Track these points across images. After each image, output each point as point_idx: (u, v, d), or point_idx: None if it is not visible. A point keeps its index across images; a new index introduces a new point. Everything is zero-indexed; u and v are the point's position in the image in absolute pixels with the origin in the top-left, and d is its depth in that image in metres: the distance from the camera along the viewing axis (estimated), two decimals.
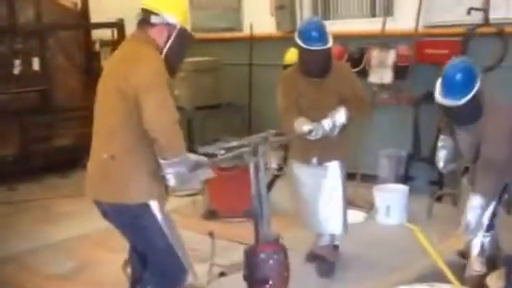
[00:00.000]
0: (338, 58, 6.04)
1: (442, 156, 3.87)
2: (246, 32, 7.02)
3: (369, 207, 5.24)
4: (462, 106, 3.43)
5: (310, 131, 3.86)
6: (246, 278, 3.21)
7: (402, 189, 5.25)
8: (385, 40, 5.83)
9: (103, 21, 7.68)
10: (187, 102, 6.61)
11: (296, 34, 3.99)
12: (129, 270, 3.28)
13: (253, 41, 6.88)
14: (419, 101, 5.72)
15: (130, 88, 2.83)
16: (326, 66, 3.98)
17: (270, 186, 5.43)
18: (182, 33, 3.02)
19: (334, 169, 4.08)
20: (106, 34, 7.92)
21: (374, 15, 6.29)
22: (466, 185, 3.81)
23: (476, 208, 3.50)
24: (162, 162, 2.86)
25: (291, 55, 6.33)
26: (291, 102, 4.00)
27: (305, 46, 3.90)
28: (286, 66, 6.30)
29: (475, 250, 3.76)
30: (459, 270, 3.60)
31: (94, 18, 7.80)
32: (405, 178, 5.72)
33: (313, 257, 4.24)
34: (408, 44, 5.70)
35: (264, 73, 6.81)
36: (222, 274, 4.03)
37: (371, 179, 5.73)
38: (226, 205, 5.18)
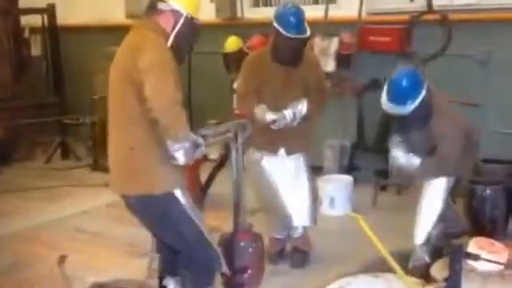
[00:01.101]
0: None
1: (400, 155, 3.89)
2: None
3: None
4: (409, 114, 3.59)
5: (274, 121, 3.90)
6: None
7: (347, 179, 5.32)
8: (327, 27, 5.88)
9: (32, 6, 7.45)
10: None
11: (274, 20, 3.98)
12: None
13: None
14: (363, 90, 5.80)
15: (137, 74, 2.86)
16: (300, 55, 4.01)
17: (212, 177, 5.42)
18: (190, 21, 3.05)
19: (300, 160, 4.14)
20: (37, 20, 7.70)
21: (316, 2, 6.34)
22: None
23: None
24: (168, 141, 2.87)
25: (231, 43, 6.33)
26: (252, 88, 4.02)
27: (285, 33, 3.89)
28: (225, 54, 6.31)
29: (420, 238, 3.85)
30: (403, 259, 3.67)
31: (23, 3, 7.57)
32: (349, 168, 5.80)
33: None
34: (351, 32, 5.76)
35: (203, 61, 6.76)
36: None
37: (316, 170, 5.76)
38: None
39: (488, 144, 5.10)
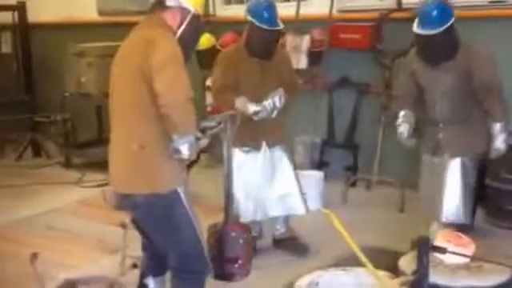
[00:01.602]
0: None
1: (404, 129, 4.05)
2: None
3: None
4: (440, 36, 3.75)
5: (256, 112, 3.93)
6: (214, 258, 3.26)
7: (318, 175, 5.34)
8: (299, 25, 5.89)
9: (2, 3, 7.34)
10: (96, 89, 6.42)
11: (248, 13, 4.04)
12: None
13: None
14: (334, 86, 5.85)
15: (149, 71, 2.80)
16: (273, 48, 4.09)
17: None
18: (196, 18, 3.03)
19: (283, 152, 4.21)
20: (7, 17, 7.59)
21: (288, 0, 6.34)
22: (428, 157, 4.12)
23: (504, 133, 3.90)
24: (174, 136, 2.84)
25: (204, 40, 6.30)
26: (228, 81, 4.03)
27: (260, 26, 3.95)
28: (198, 51, 6.29)
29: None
30: (373, 253, 3.70)
31: None
32: (320, 164, 5.83)
33: (277, 242, 4.36)
34: (322, 29, 5.79)
35: None
36: (134, 266, 3.98)
37: None
38: None
39: None
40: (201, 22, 3.08)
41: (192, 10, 3.01)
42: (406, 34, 5.33)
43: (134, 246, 4.14)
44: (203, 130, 3.12)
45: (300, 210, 4.24)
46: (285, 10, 6.03)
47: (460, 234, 3.65)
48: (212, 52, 6.26)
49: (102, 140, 6.78)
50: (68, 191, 5.76)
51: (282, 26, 4.06)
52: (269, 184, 4.16)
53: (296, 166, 5.65)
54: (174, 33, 2.98)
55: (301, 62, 5.82)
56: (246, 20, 4.09)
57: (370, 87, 5.72)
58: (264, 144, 4.13)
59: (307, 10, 5.97)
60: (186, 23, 2.99)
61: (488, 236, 4.41)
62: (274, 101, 4.00)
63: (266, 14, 3.97)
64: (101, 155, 6.38)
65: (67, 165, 6.65)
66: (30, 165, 6.85)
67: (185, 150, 2.88)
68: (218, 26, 6.37)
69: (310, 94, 5.84)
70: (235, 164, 3.93)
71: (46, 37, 7.84)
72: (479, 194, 4.63)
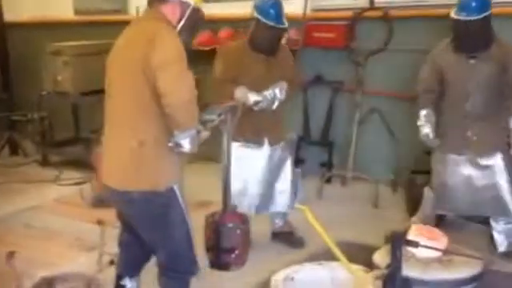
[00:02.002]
0: (227, 41, 6.08)
1: (428, 130, 4.05)
2: (132, 15, 6.85)
3: None
4: (479, 22, 3.80)
5: (257, 102, 3.93)
6: (211, 248, 3.24)
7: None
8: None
9: None
10: (72, 87, 6.36)
11: (254, 9, 4.05)
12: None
13: None
14: (309, 84, 5.86)
15: (151, 68, 2.73)
16: (277, 45, 4.10)
17: None
18: (195, 12, 2.98)
19: (285, 151, 4.22)
20: None
21: None
22: (453, 157, 4.04)
23: None
24: (176, 132, 2.81)
25: None
26: (229, 76, 4.02)
27: (266, 22, 3.96)
28: None
29: None
30: (348, 248, 3.72)
31: None
32: (296, 161, 5.84)
33: (275, 235, 4.40)
34: (297, 28, 5.80)
35: None
36: (111, 263, 3.96)
37: None
38: None
39: None
40: (200, 15, 3.03)
41: (191, 3, 2.97)
42: (379, 33, 5.44)
43: (111, 243, 4.14)
44: (204, 123, 3.05)
45: (284, 207, 4.24)
46: None
47: (432, 228, 3.69)
48: (188, 51, 6.21)
49: (78, 138, 6.74)
50: (45, 189, 5.70)
51: (286, 24, 4.08)
52: (267, 182, 4.15)
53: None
54: (174, 27, 2.92)
55: None
56: (251, 16, 4.08)
57: (343, 85, 5.74)
58: (266, 142, 4.11)
59: None
60: (185, 17, 2.94)
61: (459, 230, 4.46)
62: (275, 92, 4.00)
63: (272, 12, 3.99)
64: (78, 153, 6.40)
65: (44, 163, 6.58)
66: (7, 163, 6.75)
67: (186, 144, 2.84)
68: None
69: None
70: (234, 157, 3.83)
71: (23, 36, 7.74)
72: None
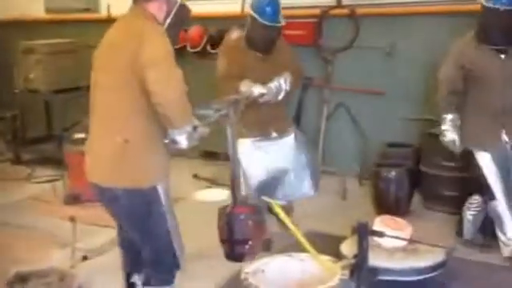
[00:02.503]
0: (196, 41, 6.08)
1: (455, 136, 3.83)
2: (103, 13, 6.80)
3: None
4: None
5: (262, 94, 3.87)
6: (225, 240, 3.23)
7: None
8: (244, 21, 5.89)
9: None
10: (44, 86, 6.29)
11: (251, 8, 4.00)
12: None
13: (111, 22, 6.66)
14: None
15: (139, 65, 2.69)
16: (273, 43, 4.04)
17: None
18: (182, 9, 2.94)
19: (296, 141, 4.18)
20: None
21: None
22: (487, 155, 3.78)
23: None
24: (171, 130, 2.78)
25: None
26: (233, 71, 3.96)
27: (261, 21, 3.91)
28: None
29: None
30: (317, 239, 3.75)
31: None
32: None
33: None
34: None
35: None
36: (84, 258, 3.95)
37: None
38: (88, 189, 4.99)
39: (392, 129, 5.31)
40: (187, 12, 3.00)
41: (178, 1, 2.94)
42: (346, 30, 5.49)
43: (84, 239, 4.13)
44: (200, 118, 3.01)
45: (309, 192, 4.26)
46: (230, 7, 6.07)
47: (397, 218, 3.74)
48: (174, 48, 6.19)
49: (51, 136, 6.67)
50: (19, 187, 5.63)
51: (283, 23, 4.01)
52: (278, 172, 4.12)
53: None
54: (161, 24, 2.88)
55: None
56: (247, 14, 4.04)
57: (312, 81, 5.77)
58: (274, 133, 4.10)
59: None
60: (172, 14, 2.91)
61: (423, 219, 4.53)
62: (280, 82, 3.95)
63: (268, 10, 3.93)
64: (50, 151, 6.34)
65: (17, 161, 6.50)
66: None
67: (183, 141, 2.81)
68: None
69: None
70: (249, 153, 3.91)
71: None
72: (415, 179, 4.77)
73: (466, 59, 3.75)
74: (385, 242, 3.43)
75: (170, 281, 3.01)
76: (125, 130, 2.76)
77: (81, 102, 6.70)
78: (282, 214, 3.25)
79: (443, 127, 3.84)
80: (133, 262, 3.08)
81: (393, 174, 4.60)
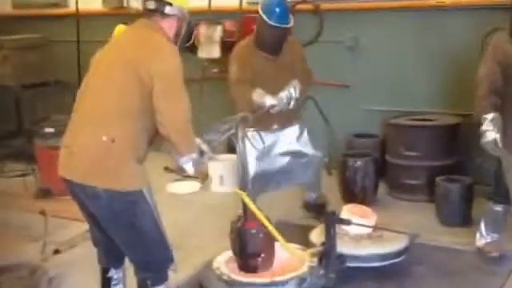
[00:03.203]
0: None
1: (497, 136, 3.38)
2: (71, 8, 6.68)
3: (203, 177, 5.31)
4: None
5: (273, 106, 3.82)
6: (238, 253, 3.17)
7: (234, 158, 5.36)
8: (212, 16, 5.87)
9: None
10: (13, 81, 6.18)
11: (260, 9, 3.91)
12: None
13: (79, 17, 6.57)
14: None
15: (149, 76, 2.63)
16: (281, 44, 3.96)
17: None
18: (188, 25, 2.91)
19: (295, 130, 4.15)
20: None
21: None
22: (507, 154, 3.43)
23: None
24: (177, 156, 2.78)
25: (119, 31, 6.14)
26: (245, 76, 3.91)
27: (269, 22, 3.83)
28: None
29: None
30: (286, 228, 3.77)
31: None
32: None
33: (310, 206, 4.38)
34: (234, 20, 5.80)
35: (93, 50, 6.52)
36: (56, 252, 3.90)
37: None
38: (59, 183, 4.92)
39: (357, 120, 5.35)
40: (191, 28, 3.03)
41: (188, 16, 2.90)
42: (311, 25, 5.50)
43: (56, 232, 4.08)
44: (207, 143, 2.99)
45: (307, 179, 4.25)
46: (198, 2, 6.01)
47: (364, 206, 3.78)
48: None
49: (21, 131, 6.55)
50: None
51: (291, 23, 3.93)
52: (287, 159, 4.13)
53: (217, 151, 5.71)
54: (170, 41, 2.84)
55: (214, 51, 5.79)
56: (257, 14, 3.94)
57: None
58: (275, 126, 4.07)
59: (219, 2, 5.94)
60: (182, 32, 2.89)
61: (388, 207, 4.59)
62: (290, 91, 3.88)
63: (276, 11, 3.85)
64: (20, 146, 6.22)
65: None
66: None
67: (189, 168, 2.82)
68: (132, 17, 6.22)
69: (225, 82, 5.83)
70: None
71: None
72: (381, 169, 4.82)
73: (501, 55, 3.43)
74: (352, 229, 3.46)
75: (165, 278, 2.88)
76: (114, 129, 2.65)
77: (49, 97, 6.67)
78: (251, 204, 3.24)
79: (483, 128, 3.42)
80: (109, 258, 2.98)
81: (359, 163, 4.63)
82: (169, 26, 2.85)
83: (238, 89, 3.94)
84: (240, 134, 3.27)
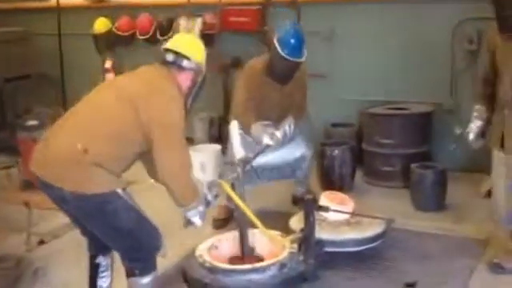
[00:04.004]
0: (145, 28, 5.97)
1: (474, 128, 3.30)
2: (53, 1, 6.58)
3: None
4: None
5: (268, 145, 3.79)
6: None
7: (215, 148, 5.35)
8: (191, 9, 5.82)
9: None
10: None
11: (275, 37, 3.80)
12: None
13: (60, 10, 6.47)
14: (227, 67, 5.83)
15: (147, 116, 2.61)
16: (292, 76, 3.90)
17: None
18: (203, 79, 2.88)
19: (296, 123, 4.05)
20: None
21: None
22: (496, 153, 3.28)
23: None
24: (182, 209, 2.78)
25: (100, 24, 6.10)
26: (251, 100, 3.89)
27: (282, 54, 3.74)
28: (95, 36, 6.08)
29: None
30: (267, 216, 3.76)
31: None
32: (218, 138, 5.84)
33: (297, 200, 4.21)
34: (213, 12, 5.76)
35: (74, 43, 6.48)
36: (41, 242, 3.86)
37: (188, 141, 5.74)
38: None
39: (334, 110, 5.36)
40: (204, 78, 2.92)
41: (204, 70, 2.88)
42: (288, 16, 5.47)
43: (40, 224, 4.03)
44: (211, 188, 2.98)
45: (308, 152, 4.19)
46: None
47: (341, 193, 3.79)
48: (108, 35, 6.07)
49: (3, 123, 6.45)
50: None
51: (304, 57, 3.82)
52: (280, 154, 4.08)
53: (194, 141, 5.68)
54: (183, 93, 2.80)
55: None
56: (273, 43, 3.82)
57: None
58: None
59: None
60: (197, 86, 2.87)
61: (365, 194, 4.61)
62: (285, 130, 3.85)
63: (291, 42, 3.75)
64: (3, 138, 6.11)
65: None
66: None
67: (197, 221, 2.83)
68: (113, 10, 6.19)
69: (206, 74, 5.80)
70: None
71: None
72: (358, 157, 4.84)
73: (492, 45, 3.26)
74: (330, 216, 3.46)
75: (153, 267, 2.82)
76: (91, 144, 2.58)
77: (32, 90, 6.58)
78: (232, 193, 3.23)
79: (471, 117, 3.34)
80: (97, 246, 2.93)
81: (336, 152, 4.64)
82: (184, 79, 2.83)
83: (242, 113, 3.94)
84: (241, 177, 3.27)
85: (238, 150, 3.92)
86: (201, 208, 2.83)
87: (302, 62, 3.86)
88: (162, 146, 2.64)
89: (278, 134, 3.86)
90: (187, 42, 2.91)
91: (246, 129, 3.91)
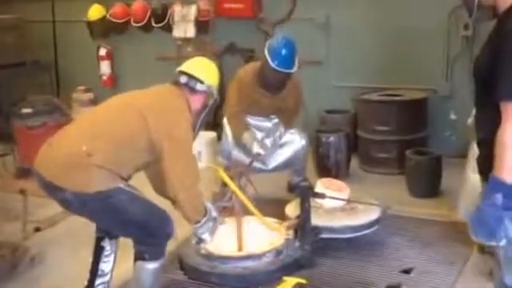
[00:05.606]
0: (140, 15, 5.92)
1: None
2: None
3: None
4: None
5: (259, 154, 3.83)
6: None
7: (211, 135, 5.34)
8: None
9: None
10: None
11: (266, 48, 3.77)
12: None
13: None
14: (222, 52, 5.80)
15: (156, 127, 2.64)
16: (283, 86, 3.88)
17: None
18: (214, 101, 2.90)
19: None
20: None
21: None
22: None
23: None
24: (193, 226, 2.87)
25: (94, 11, 6.06)
26: (242, 107, 3.94)
27: (272, 65, 3.72)
28: (90, 22, 6.04)
29: None
30: (262, 202, 3.76)
31: None
32: (214, 125, 5.81)
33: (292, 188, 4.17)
34: None
35: (68, 29, 6.43)
36: (37, 230, 3.84)
37: None
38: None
39: (329, 96, 5.35)
40: (215, 100, 2.94)
41: (215, 94, 2.89)
42: (283, 3, 5.45)
43: (36, 211, 4.01)
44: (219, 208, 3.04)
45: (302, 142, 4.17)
46: None
47: (337, 180, 3.78)
48: (103, 22, 6.02)
49: (1, 112, 6.41)
50: None
51: (296, 68, 3.79)
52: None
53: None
54: (193, 114, 2.82)
55: (189, 30, 5.72)
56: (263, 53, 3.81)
57: (254, 53, 5.72)
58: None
59: None
60: (208, 108, 2.89)
61: (361, 181, 4.61)
62: (275, 140, 3.92)
63: (282, 53, 3.72)
64: None
65: None
66: None
67: (207, 238, 2.94)
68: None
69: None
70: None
71: None
72: (353, 144, 4.83)
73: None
74: (326, 202, 3.46)
75: (162, 253, 2.81)
76: (96, 148, 2.58)
77: (26, 77, 6.53)
78: (228, 180, 3.22)
79: None
80: (105, 231, 2.90)
81: (332, 139, 4.63)
82: (196, 101, 2.86)
83: (236, 120, 4.00)
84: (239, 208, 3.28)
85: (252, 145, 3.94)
86: (211, 224, 2.91)
87: (293, 72, 3.82)
88: (173, 159, 2.67)
89: (268, 142, 3.91)
90: (201, 66, 2.95)
91: (237, 139, 3.98)
